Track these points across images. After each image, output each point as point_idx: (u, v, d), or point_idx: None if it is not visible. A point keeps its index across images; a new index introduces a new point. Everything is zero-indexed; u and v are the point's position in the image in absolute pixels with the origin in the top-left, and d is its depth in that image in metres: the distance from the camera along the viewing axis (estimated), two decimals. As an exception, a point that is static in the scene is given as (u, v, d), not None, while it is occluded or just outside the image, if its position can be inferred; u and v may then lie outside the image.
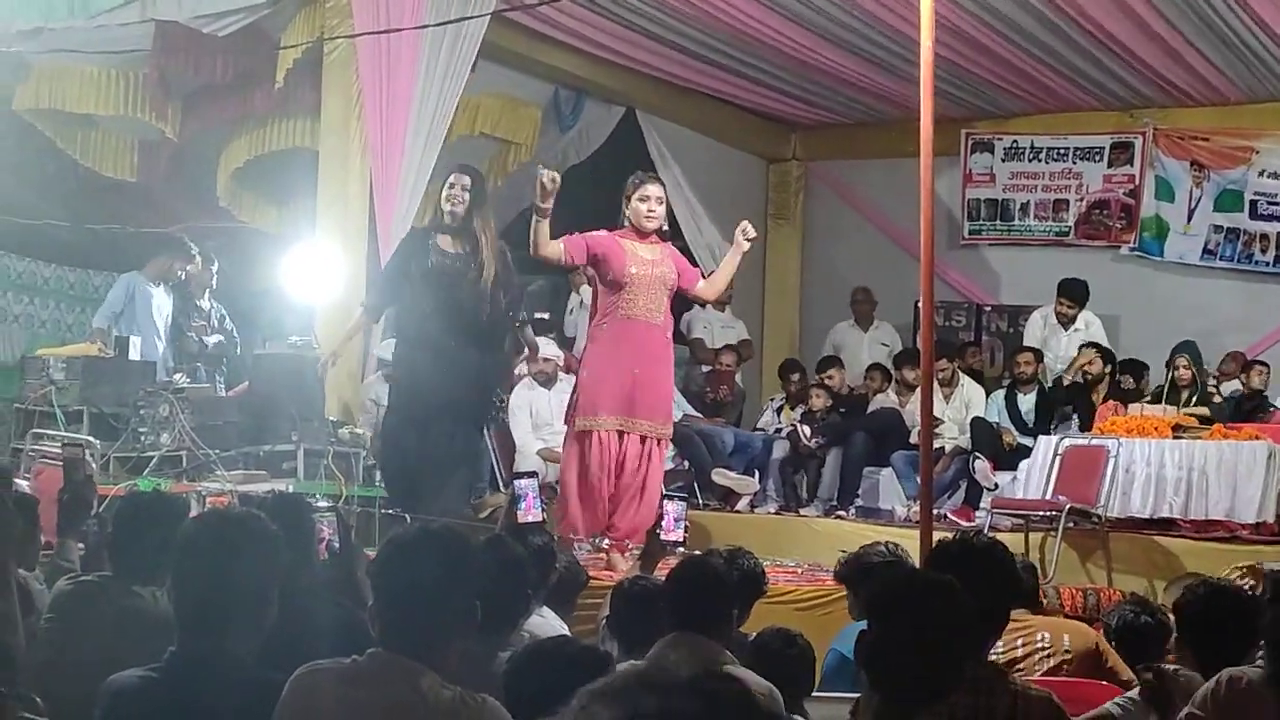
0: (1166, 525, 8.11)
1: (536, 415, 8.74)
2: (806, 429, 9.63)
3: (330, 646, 2.93)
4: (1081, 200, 11.49)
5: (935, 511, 7.37)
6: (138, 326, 8.57)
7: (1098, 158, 11.41)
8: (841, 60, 10.07)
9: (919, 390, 7.47)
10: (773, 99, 11.29)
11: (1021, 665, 4.71)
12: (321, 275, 7.79)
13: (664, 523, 5.21)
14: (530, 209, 6.61)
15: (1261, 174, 10.90)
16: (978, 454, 9.26)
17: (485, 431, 7.47)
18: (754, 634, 4.29)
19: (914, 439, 8.96)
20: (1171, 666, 3.58)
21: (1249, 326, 10.78)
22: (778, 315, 12.43)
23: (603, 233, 6.71)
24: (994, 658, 4.11)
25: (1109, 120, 11.28)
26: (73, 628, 3.64)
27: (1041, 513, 8.11)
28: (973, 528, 7.84)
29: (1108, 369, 9.69)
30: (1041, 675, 4.61)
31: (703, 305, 9.83)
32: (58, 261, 9.98)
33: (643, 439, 6.68)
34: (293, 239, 8.43)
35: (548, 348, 8.70)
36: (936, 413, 7.92)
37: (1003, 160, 11.73)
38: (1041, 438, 8.79)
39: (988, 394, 9.94)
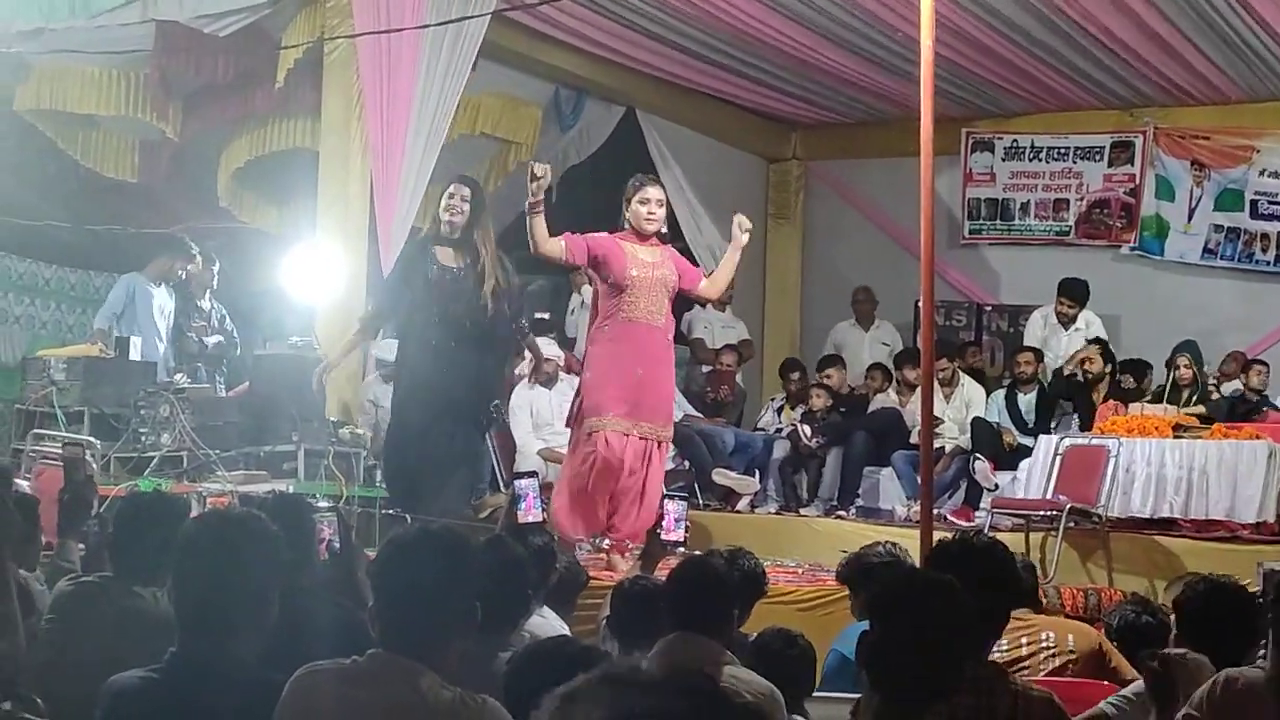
0: (1167, 525, 8.12)
1: (537, 415, 8.74)
2: (807, 429, 9.63)
3: (330, 647, 2.93)
4: (1082, 199, 11.47)
5: (935, 511, 7.36)
6: (138, 327, 8.57)
7: (1098, 157, 11.39)
8: (842, 60, 10.06)
9: (919, 390, 7.47)
10: (773, 98, 11.28)
11: (1026, 664, 4.71)
12: (322, 275, 7.79)
13: (664, 523, 5.21)
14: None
15: (1262, 173, 10.88)
16: (978, 454, 9.26)
17: (485, 432, 7.47)
18: (755, 634, 4.29)
19: (914, 439, 8.96)
20: (1179, 650, 3.51)
21: (1249, 326, 10.77)
22: (778, 315, 12.41)
23: (603, 235, 6.71)
24: (998, 656, 4.13)
25: (1109, 119, 11.26)
26: (73, 628, 3.64)
27: (1042, 512, 8.11)
28: (973, 528, 7.84)
29: (1108, 368, 9.68)
30: (1046, 675, 4.60)
31: (705, 305, 9.83)
32: (59, 262, 9.98)
33: (644, 440, 6.69)
34: (293, 239, 8.43)
35: (548, 348, 8.69)
36: (937, 413, 7.92)
37: (1003, 159, 11.71)
38: (1042, 437, 8.79)
39: (988, 394, 9.93)
